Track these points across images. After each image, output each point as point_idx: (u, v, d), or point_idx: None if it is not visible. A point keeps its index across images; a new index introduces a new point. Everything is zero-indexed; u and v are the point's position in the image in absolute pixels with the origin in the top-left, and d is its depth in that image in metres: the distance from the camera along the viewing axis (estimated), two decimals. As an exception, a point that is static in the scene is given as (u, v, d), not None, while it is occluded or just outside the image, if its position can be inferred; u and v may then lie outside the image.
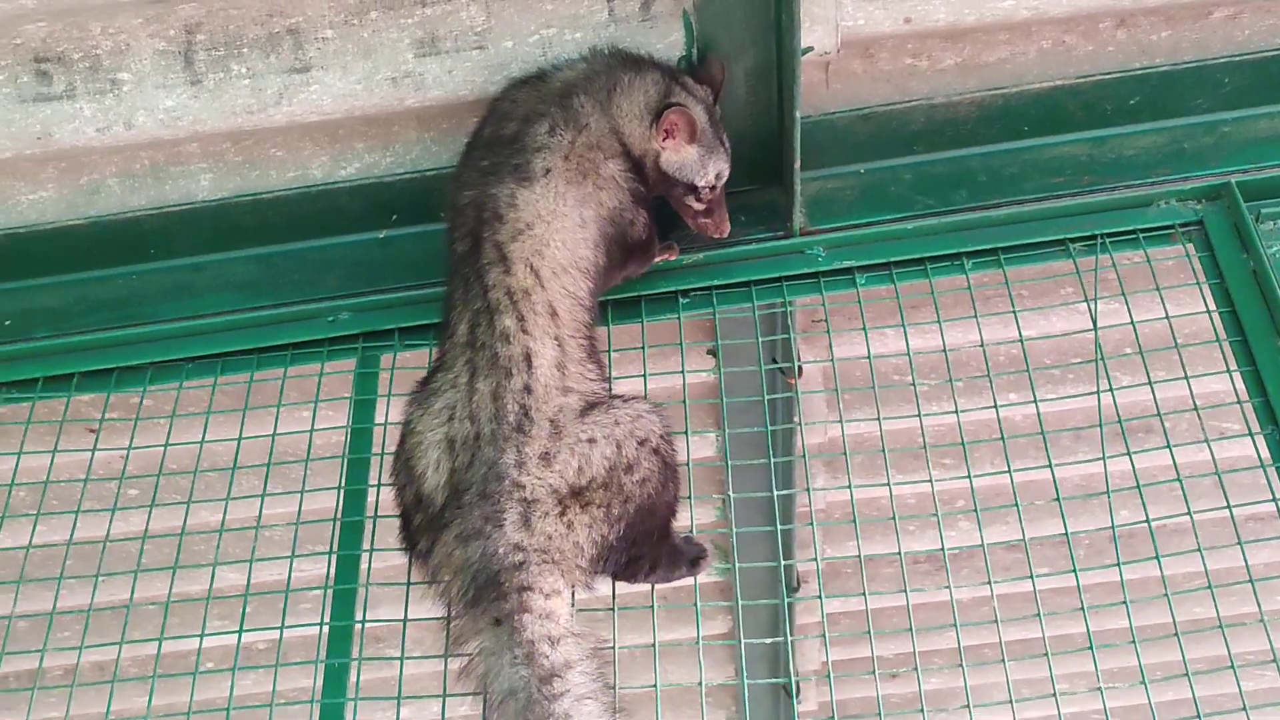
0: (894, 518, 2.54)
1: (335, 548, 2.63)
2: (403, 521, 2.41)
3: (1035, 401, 2.66)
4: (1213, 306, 2.69)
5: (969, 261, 2.86)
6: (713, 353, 3.32)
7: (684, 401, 2.76)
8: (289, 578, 2.61)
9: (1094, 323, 2.71)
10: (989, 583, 2.45)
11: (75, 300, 3.03)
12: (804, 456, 2.72)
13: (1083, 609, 2.40)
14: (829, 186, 2.99)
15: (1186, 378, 2.60)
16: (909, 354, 2.76)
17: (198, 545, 2.89)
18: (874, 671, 2.37)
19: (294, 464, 2.83)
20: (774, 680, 3.93)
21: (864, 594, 2.46)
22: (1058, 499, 2.52)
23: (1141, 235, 2.82)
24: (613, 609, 2.45)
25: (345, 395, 2.90)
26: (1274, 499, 2.43)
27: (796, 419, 3.24)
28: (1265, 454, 2.49)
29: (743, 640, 2.40)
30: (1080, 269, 2.79)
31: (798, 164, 2.75)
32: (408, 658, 2.47)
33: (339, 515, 2.67)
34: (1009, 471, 2.56)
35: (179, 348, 2.96)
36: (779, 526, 2.55)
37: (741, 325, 2.95)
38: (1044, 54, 2.93)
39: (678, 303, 2.90)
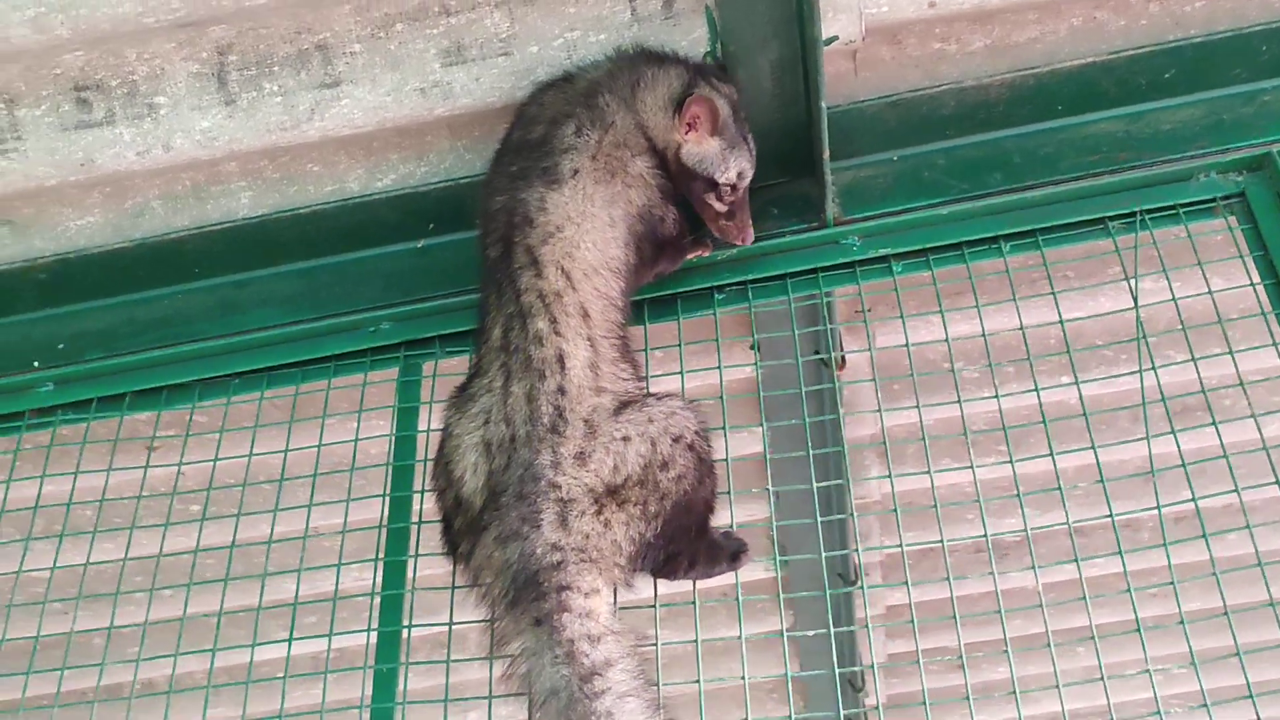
0: (935, 506, 2.52)
1: (382, 554, 2.66)
2: (444, 525, 2.45)
3: (1077, 383, 2.62)
4: (1256, 279, 2.64)
5: (1006, 245, 2.82)
6: (756, 347, 3.32)
7: (721, 398, 2.75)
8: (336, 587, 2.64)
9: (1135, 301, 2.67)
10: (1033, 569, 2.42)
11: (124, 321, 3.10)
12: (842, 448, 2.69)
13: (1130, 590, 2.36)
14: (862, 175, 2.97)
15: (1231, 353, 2.55)
16: (947, 340, 2.73)
17: (255, 557, 2.93)
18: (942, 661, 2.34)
19: (343, 474, 2.86)
20: (830, 672, 3.89)
21: (907, 584, 2.44)
22: (1101, 480, 2.48)
23: (1182, 210, 2.77)
24: (654, 606, 2.46)
25: (389, 404, 2.93)
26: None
27: (841, 410, 3.21)
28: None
29: (785, 634, 2.41)
30: (1120, 247, 2.74)
31: (826, 154, 2.73)
32: (454, 661, 2.49)
33: (384, 522, 2.70)
34: (1051, 455, 2.53)
35: (225, 364, 3.01)
36: (818, 519, 2.54)
37: (783, 318, 2.93)
38: (1075, 31, 2.89)
39: (713, 299, 2.90)
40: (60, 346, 3.11)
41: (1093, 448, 2.55)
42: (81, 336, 3.11)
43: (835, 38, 2.73)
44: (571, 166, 2.53)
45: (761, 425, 2.71)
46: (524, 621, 2.22)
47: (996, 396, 2.67)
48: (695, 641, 2.41)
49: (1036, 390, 2.65)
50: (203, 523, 2.80)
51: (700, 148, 2.62)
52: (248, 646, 2.58)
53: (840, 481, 2.65)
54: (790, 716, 2.32)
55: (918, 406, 2.67)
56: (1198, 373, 2.56)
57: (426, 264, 3.07)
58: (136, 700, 2.59)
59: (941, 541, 2.52)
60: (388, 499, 2.75)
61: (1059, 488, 2.52)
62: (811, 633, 2.82)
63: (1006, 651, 2.34)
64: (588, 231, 2.49)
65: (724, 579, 2.53)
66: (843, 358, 3.30)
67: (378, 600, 2.58)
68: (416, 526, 2.67)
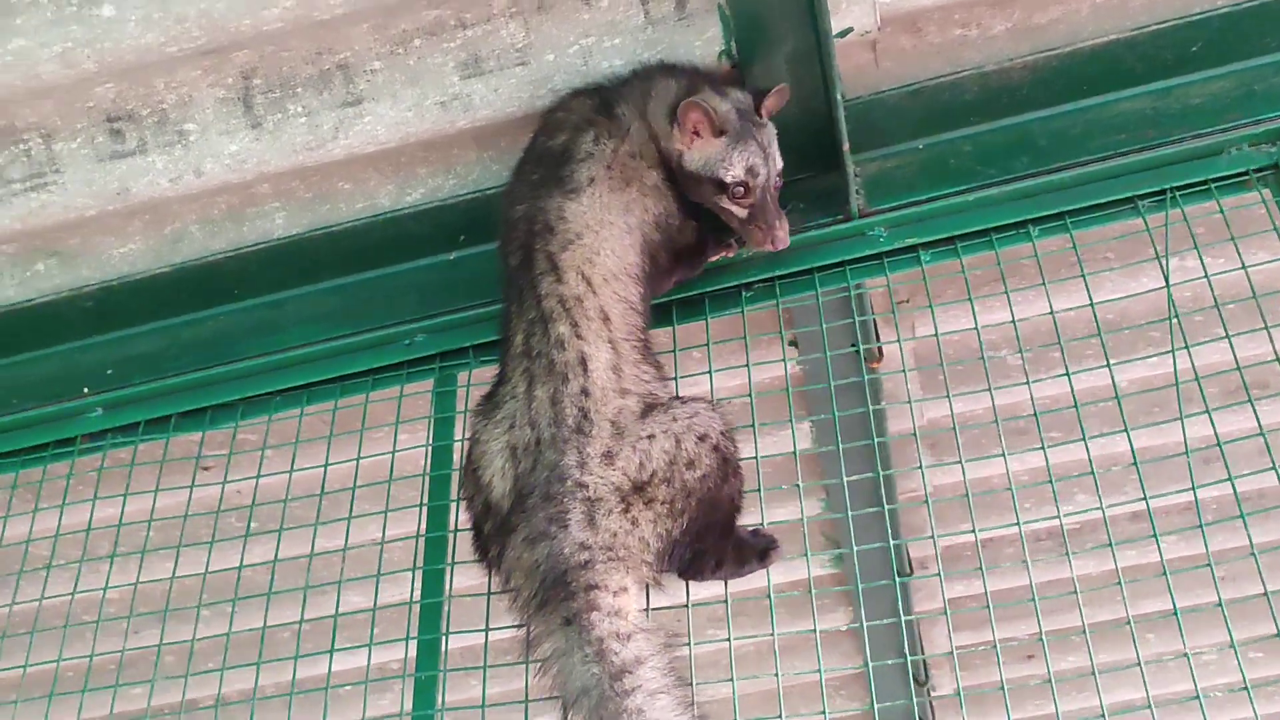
0: (966, 497, 2.49)
1: (420, 563, 2.69)
2: (474, 531, 2.47)
3: (1109, 366, 2.58)
4: (1293, 251, 2.59)
5: (1035, 229, 2.79)
6: (794, 343, 3.31)
7: (750, 395, 2.75)
8: (375, 599, 2.68)
9: (1166, 280, 2.62)
10: (1066, 558, 2.38)
11: (168, 345, 3.18)
12: (873, 441, 2.66)
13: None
14: (888, 165, 2.95)
15: (1267, 328, 2.49)
16: (976, 328, 2.72)
17: (297, 572, 2.99)
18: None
19: (381, 485, 2.90)
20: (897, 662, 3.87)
21: (940, 575, 2.41)
22: (1135, 465, 2.44)
23: (1214, 185, 2.72)
24: (686, 606, 2.46)
25: (425, 415, 2.97)
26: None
27: (879, 404, 3.19)
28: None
29: (865, 623, 2.45)
30: (1150, 226, 2.70)
31: (846, 146, 2.72)
32: (492, 666, 2.52)
33: (421, 531, 2.74)
34: (1084, 440, 2.50)
35: (266, 382, 3.08)
36: (849, 513, 2.53)
37: (822, 311, 2.91)
38: (1097, 9, 2.85)
39: (741, 296, 2.90)
40: (109, 371, 3.19)
41: (1126, 431, 2.50)
42: (128, 361, 3.19)
43: (850, 29, 2.72)
44: (588, 175, 2.55)
45: (790, 421, 2.70)
46: (554, 622, 2.24)
47: (1028, 382, 2.62)
48: (738, 638, 2.41)
49: (1109, 367, 2.60)
50: (246, 539, 2.85)
51: (703, 151, 2.58)
52: (290, 659, 2.63)
53: (867, 476, 2.62)
54: (871, 705, 2.36)
55: (948, 396, 2.65)
56: (1232, 350, 2.50)
57: (458, 275, 3.10)
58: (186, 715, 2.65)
59: (1018, 526, 2.47)
60: (425, 508, 2.79)
61: (1092, 472, 2.47)
62: (885, 622, 2.80)
63: (1085, 635, 2.32)
64: (606, 239, 2.51)
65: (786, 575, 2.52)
66: (879, 349, 3.28)
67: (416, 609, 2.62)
68: (453, 535, 2.71)
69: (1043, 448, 2.55)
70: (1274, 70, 2.81)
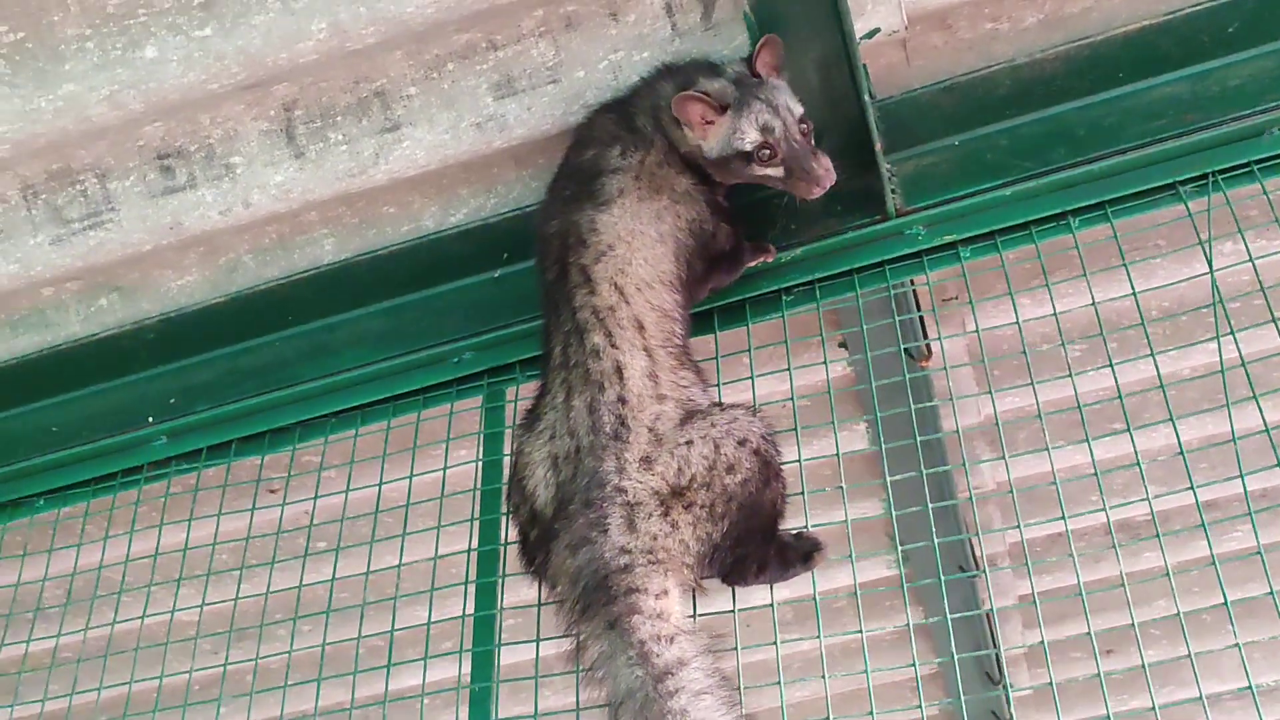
0: (1011, 494, 2.47)
1: (472, 576, 2.74)
2: (521, 540, 2.52)
3: (1153, 355, 2.55)
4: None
5: (1075, 220, 2.77)
6: (844, 344, 3.32)
7: (791, 399, 2.75)
8: (429, 612, 2.73)
9: (1209, 265, 2.59)
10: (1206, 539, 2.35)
11: (226, 372, 3.26)
12: (915, 440, 2.66)
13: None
14: (925, 163, 2.94)
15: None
16: (1017, 323, 2.70)
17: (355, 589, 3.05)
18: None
19: (432, 502, 2.96)
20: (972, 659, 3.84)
21: (1027, 566, 2.38)
22: (1182, 453, 2.41)
23: (1256, 167, 2.68)
24: (733, 611, 2.48)
25: (476, 431, 3.02)
26: None
27: (915, 403, 3.17)
28: None
29: (949, 617, 2.42)
30: (1192, 211, 2.66)
31: (878, 146, 2.73)
32: (543, 677, 2.55)
33: (473, 545, 2.78)
34: (1129, 432, 2.47)
35: (322, 405, 3.16)
36: (894, 512, 2.54)
37: (870, 311, 2.91)
38: (1129, -6, 2.82)
39: (781, 301, 2.91)
40: (172, 401, 3.29)
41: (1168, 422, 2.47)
42: (190, 390, 3.28)
43: (877, 30, 2.72)
44: (618, 187, 2.58)
45: (832, 424, 2.70)
46: (599, 626, 2.27)
47: (1070, 375, 2.60)
48: (819, 636, 2.42)
49: (1111, 365, 2.57)
50: (305, 560, 2.92)
51: (715, 134, 2.58)
52: (349, 674, 2.69)
53: (931, 471, 2.61)
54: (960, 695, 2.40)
55: (989, 392, 2.63)
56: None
57: (503, 292, 3.15)
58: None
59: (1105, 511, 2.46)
60: (477, 522, 2.83)
61: (1138, 463, 2.44)
62: (963, 615, 2.80)
63: (1182, 627, 2.28)
64: (638, 249, 2.54)
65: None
66: (928, 347, 3.27)
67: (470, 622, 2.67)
68: (504, 549, 2.75)
69: (1129, 434, 2.53)
70: (1314, 47, 2.76)
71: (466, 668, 2.64)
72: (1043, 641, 2.37)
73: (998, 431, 2.62)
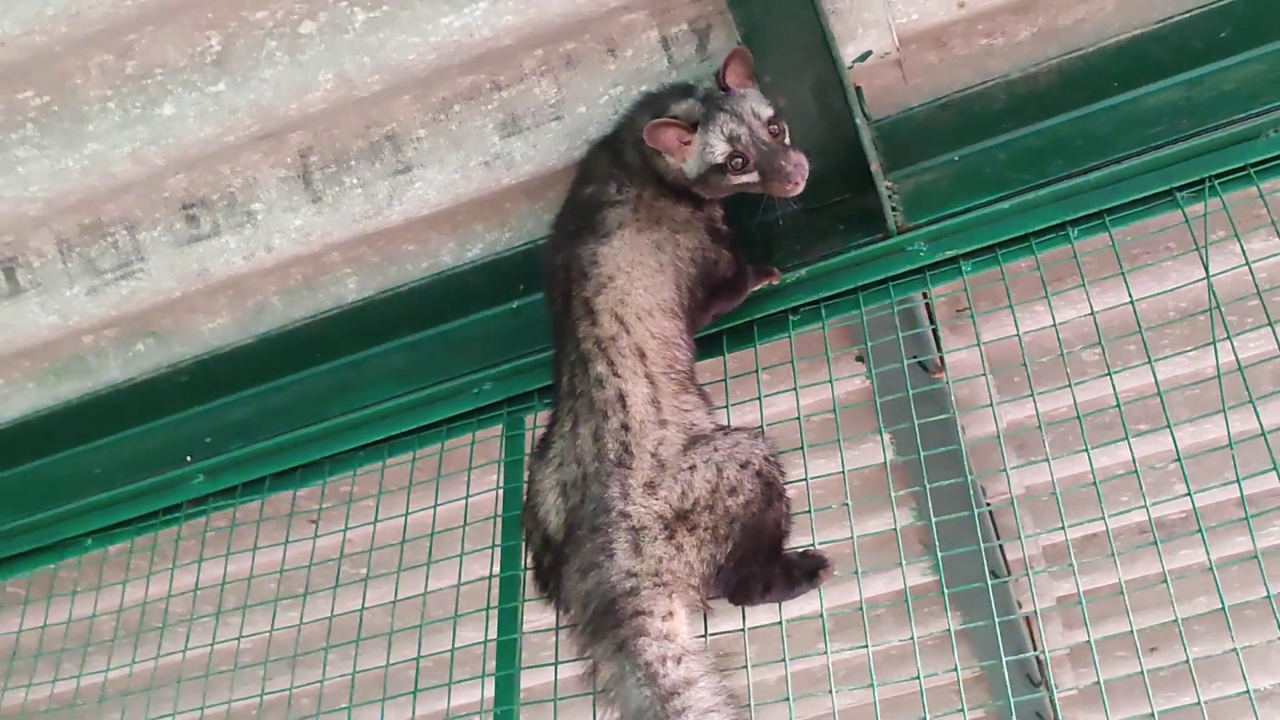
0: (1011, 503, 2.50)
1: (494, 602, 2.82)
2: (534, 566, 2.59)
3: (1150, 363, 2.57)
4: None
5: (1074, 230, 2.80)
6: (861, 358, 3.35)
7: (798, 418, 2.80)
8: (453, 637, 2.81)
9: (1206, 270, 2.61)
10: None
11: (258, 411, 3.37)
12: (919, 453, 2.70)
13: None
14: (925, 180, 2.98)
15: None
16: (1018, 335, 2.74)
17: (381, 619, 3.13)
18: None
19: (460, 529, 3.04)
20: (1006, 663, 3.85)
21: (1073, 567, 2.43)
22: (1180, 460, 2.43)
23: (1253, 170, 2.69)
24: (743, 629, 2.53)
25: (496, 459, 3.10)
26: None
27: (951, 411, 3.20)
28: None
29: (998, 620, 2.48)
30: (1189, 217, 2.68)
31: (875, 166, 2.77)
32: (562, 698, 2.62)
33: (494, 571, 2.86)
34: (1127, 439, 2.50)
35: (350, 439, 3.26)
36: (933, 519, 2.58)
37: (887, 326, 2.95)
38: (1122, 4, 2.84)
39: (788, 321, 2.96)
40: (208, 440, 3.41)
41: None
42: (224, 429, 3.40)
43: (869, 53, 2.78)
44: (617, 220, 2.66)
45: (838, 441, 2.74)
46: (609, 649, 2.33)
47: (1070, 385, 2.63)
48: (861, 644, 2.46)
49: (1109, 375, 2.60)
50: (335, 590, 3.02)
51: (690, 154, 2.63)
52: (379, 701, 2.77)
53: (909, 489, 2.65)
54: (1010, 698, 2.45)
55: (992, 403, 2.66)
56: (1276, 337, 2.47)
57: (521, 323, 3.23)
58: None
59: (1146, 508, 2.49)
60: (499, 549, 2.91)
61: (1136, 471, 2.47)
62: (1005, 619, 2.82)
63: (1227, 621, 2.30)
64: (638, 279, 2.61)
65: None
66: (940, 359, 3.30)
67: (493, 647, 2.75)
68: (524, 574, 2.82)
69: (1170, 430, 2.54)
70: (1307, 49, 2.77)
71: (490, 691, 2.71)
72: (1089, 640, 2.39)
73: (1039, 431, 2.64)
